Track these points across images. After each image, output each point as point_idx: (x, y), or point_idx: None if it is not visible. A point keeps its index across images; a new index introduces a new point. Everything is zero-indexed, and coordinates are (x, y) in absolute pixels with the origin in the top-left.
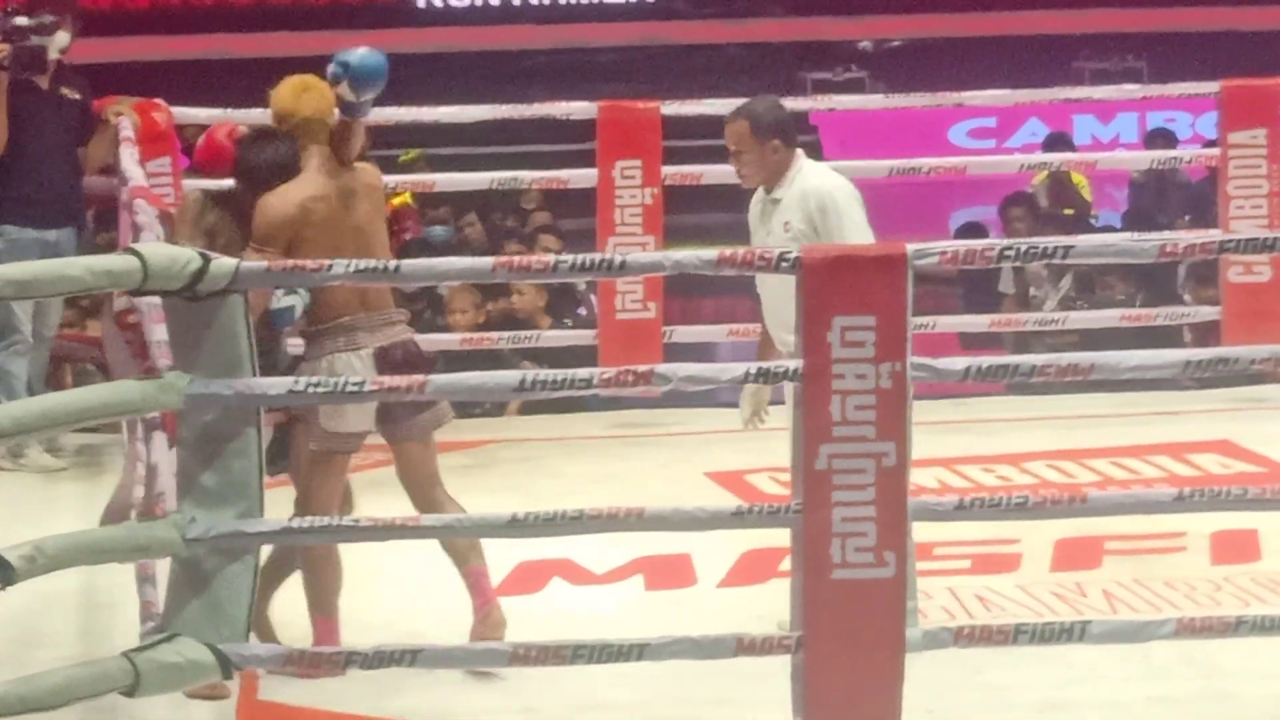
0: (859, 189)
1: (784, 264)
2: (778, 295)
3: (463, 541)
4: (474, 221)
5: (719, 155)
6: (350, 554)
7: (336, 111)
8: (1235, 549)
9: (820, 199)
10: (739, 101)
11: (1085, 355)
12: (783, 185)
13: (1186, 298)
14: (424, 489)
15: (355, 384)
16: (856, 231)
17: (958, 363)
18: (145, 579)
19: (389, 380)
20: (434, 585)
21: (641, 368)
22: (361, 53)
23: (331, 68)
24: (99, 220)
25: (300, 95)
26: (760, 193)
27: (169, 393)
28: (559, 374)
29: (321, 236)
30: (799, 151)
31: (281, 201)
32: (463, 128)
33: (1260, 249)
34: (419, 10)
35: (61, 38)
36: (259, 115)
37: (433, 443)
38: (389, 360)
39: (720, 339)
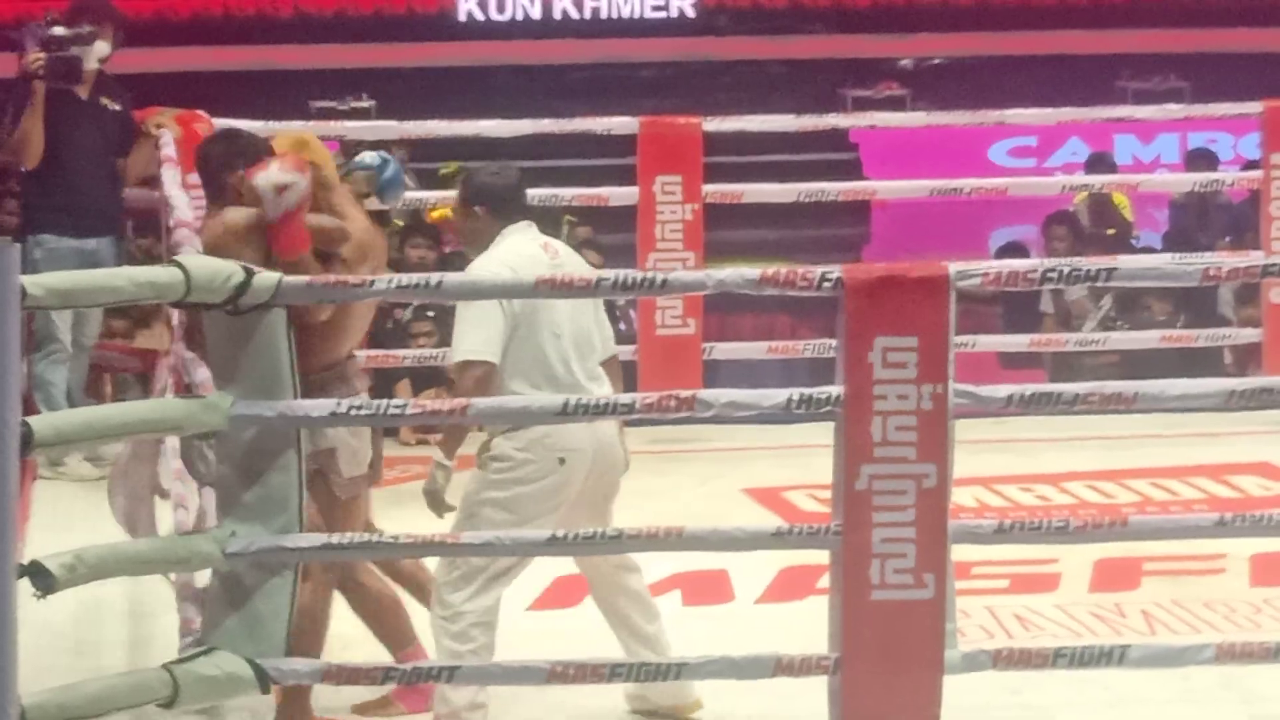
0: (898, 208)
1: (826, 284)
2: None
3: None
4: None
5: (759, 172)
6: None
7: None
8: (1275, 571)
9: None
10: (780, 118)
11: (1128, 385)
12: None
13: (1230, 317)
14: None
15: (398, 406)
16: (463, 325)
17: (1000, 390)
18: (186, 597)
19: (430, 403)
20: None
21: (684, 393)
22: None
23: (370, 158)
24: (137, 230)
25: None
26: None
27: (213, 412)
28: (601, 398)
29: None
30: (516, 226)
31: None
32: (504, 141)
33: None
34: (461, 24)
35: (101, 48)
36: (299, 126)
37: None
38: None
39: (760, 355)
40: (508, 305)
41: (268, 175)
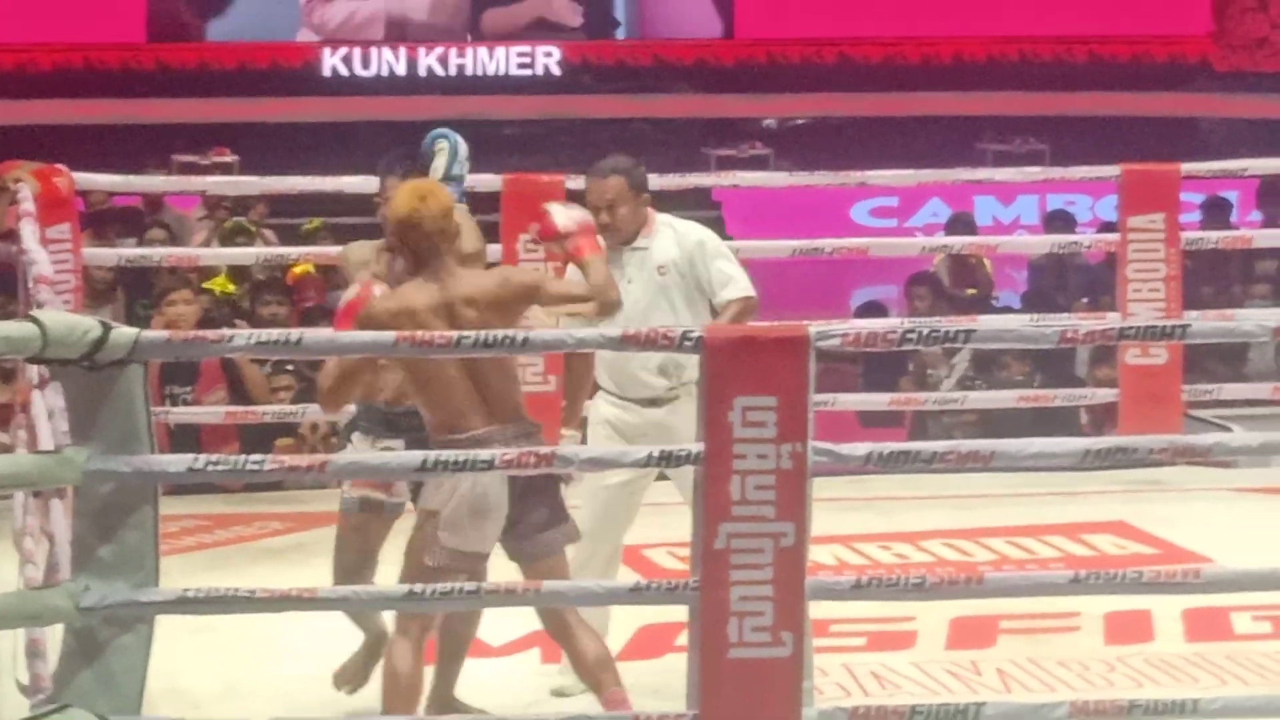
0: (759, 267)
1: (686, 343)
2: (638, 296)
3: (593, 662)
4: None
5: None
6: (247, 626)
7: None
8: (1129, 629)
9: (700, 236)
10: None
11: (986, 443)
12: (646, 235)
13: (1086, 379)
14: (555, 610)
15: (255, 462)
16: (735, 268)
17: (859, 448)
18: (36, 653)
19: (288, 459)
20: (332, 657)
21: (544, 450)
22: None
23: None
24: None
25: (423, 201)
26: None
27: (67, 467)
28: (461, 455)
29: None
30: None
31: (384, 312)
32: (367, 198)
33: (1158, 336)
34: (325, 79)
35: None
36: (161, 183)
37: (565, 561)
38: (525, 479)
39: None
40: None
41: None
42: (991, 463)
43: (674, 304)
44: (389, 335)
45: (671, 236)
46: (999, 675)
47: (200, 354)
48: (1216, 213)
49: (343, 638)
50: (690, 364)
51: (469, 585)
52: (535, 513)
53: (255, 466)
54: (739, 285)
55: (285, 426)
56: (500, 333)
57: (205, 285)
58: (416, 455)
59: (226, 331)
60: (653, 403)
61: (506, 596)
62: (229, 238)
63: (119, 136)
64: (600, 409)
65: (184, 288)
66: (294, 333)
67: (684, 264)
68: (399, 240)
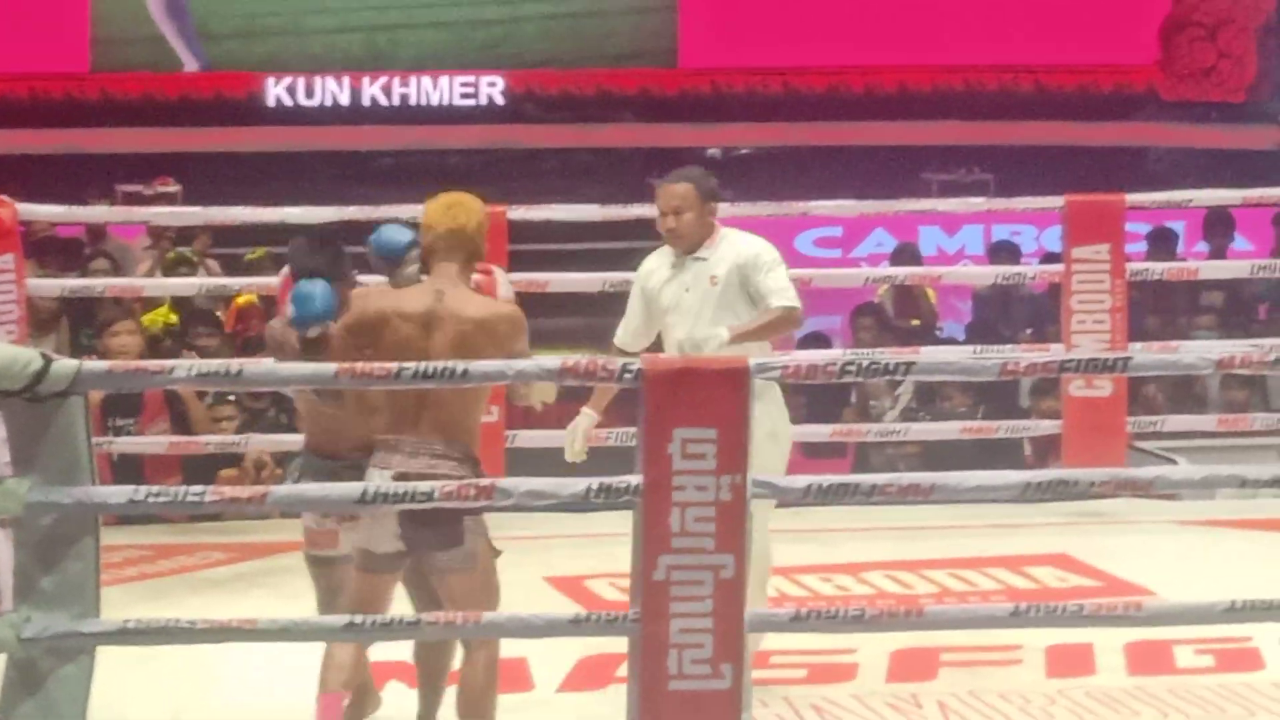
0: None
1: (627, 375)
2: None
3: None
4: None
5: (566, 260)
6: (192, 654)
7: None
8: (1070, 662)
9: (757, 249)
10: (585, 207)
11: (926, 476)
12: (709, 246)
13: (1030, 410)
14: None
15: (196, 494)
16: (785, 280)
17: (799, 481)
18: None
19: (229, 490)
20: (278, 684)
21: (484, 481)
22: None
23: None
24: None
25: (446, 211)
26: (666, 257)
27: (9, 499)
28: (400, 487)
29: (388, 352)
30: None
31: (365, 304)
32: (310, 228)
33: (1100, 369)
34: (269, 109)
35: None
36: (104, 213)
37: (470, 580)
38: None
39: (562, 444)
40: None
41: None
42: (931, 496)
43: (724, 313)
44: (330, 367)
45: (730, 249)
46: (940, 708)
47: (141, 385)
48: (1162, 244)
49: (288, 666)
50: (755, 348)
51: (409, 616)
52: (423, 532)
53: (196, 498)
54: (785, 295)
55: (228, 457)
56: (440, 364)
57: (143, 321)
58: (356, 486)
59: (168, 363)
60: None
61: (446, 629)
62: (171, 269)
63: (63, 166)
64: None
65: (127, 318)
66: (234, 364)
67: (737, 275)
68: (422, 240)
